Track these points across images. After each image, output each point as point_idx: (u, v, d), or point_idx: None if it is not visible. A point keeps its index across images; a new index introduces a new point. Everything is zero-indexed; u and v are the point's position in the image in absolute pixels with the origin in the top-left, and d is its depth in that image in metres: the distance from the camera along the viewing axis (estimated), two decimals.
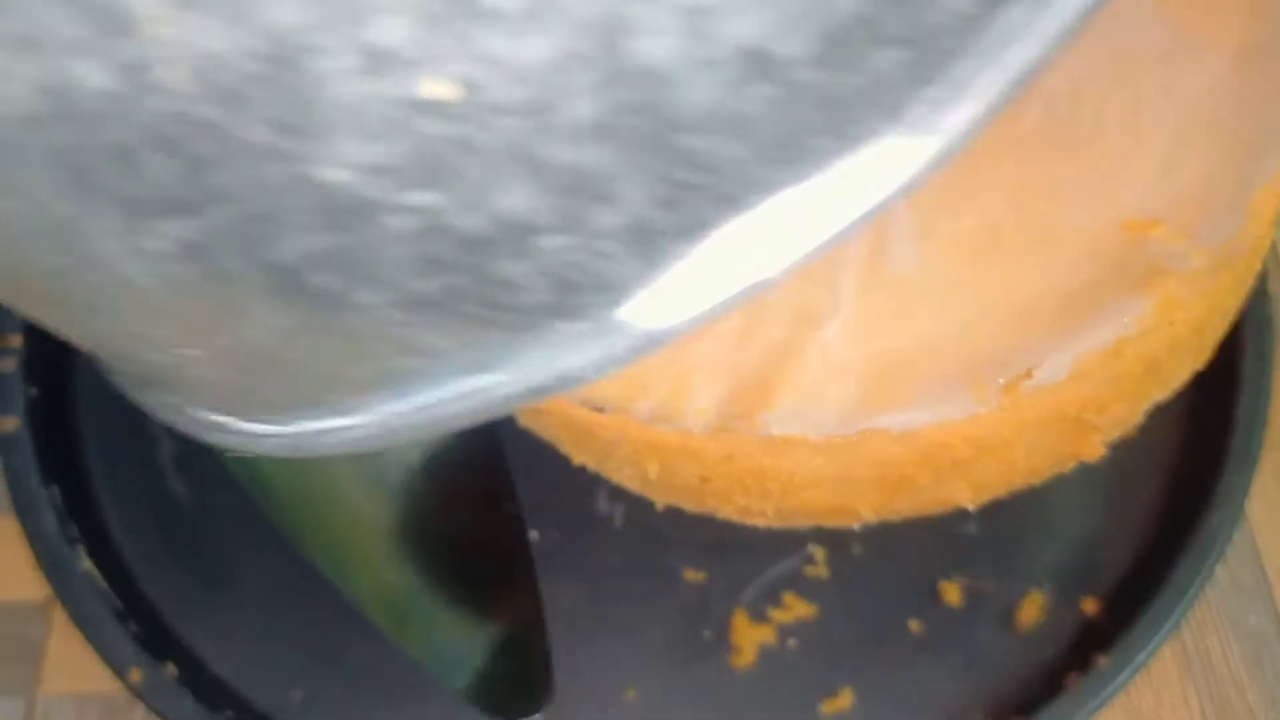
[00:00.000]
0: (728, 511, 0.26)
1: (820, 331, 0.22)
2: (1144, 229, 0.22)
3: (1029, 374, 0.21)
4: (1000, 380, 0.21)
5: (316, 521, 0.32)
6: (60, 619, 0.33)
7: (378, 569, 0.31)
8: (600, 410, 0.22)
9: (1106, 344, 0.21)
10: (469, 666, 0.30)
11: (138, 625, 0.31)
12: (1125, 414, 0.24)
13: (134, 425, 0.35)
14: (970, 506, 0.25)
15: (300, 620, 0.32)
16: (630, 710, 0.31)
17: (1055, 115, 0.23)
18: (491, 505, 0.32)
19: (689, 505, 0.27)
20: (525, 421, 0.27)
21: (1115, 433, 0.25)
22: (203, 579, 0.33)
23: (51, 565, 0.31)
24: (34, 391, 0.34)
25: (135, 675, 0.30)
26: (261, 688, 0.31)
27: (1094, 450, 0.25)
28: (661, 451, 0.23)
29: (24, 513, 0.32)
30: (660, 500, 0.28)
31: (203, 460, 0.34)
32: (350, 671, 0.31)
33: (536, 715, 0.29)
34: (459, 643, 0.30)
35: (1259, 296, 0.32)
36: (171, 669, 0.30)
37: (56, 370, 0.35)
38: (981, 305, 0.22)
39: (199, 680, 0.31)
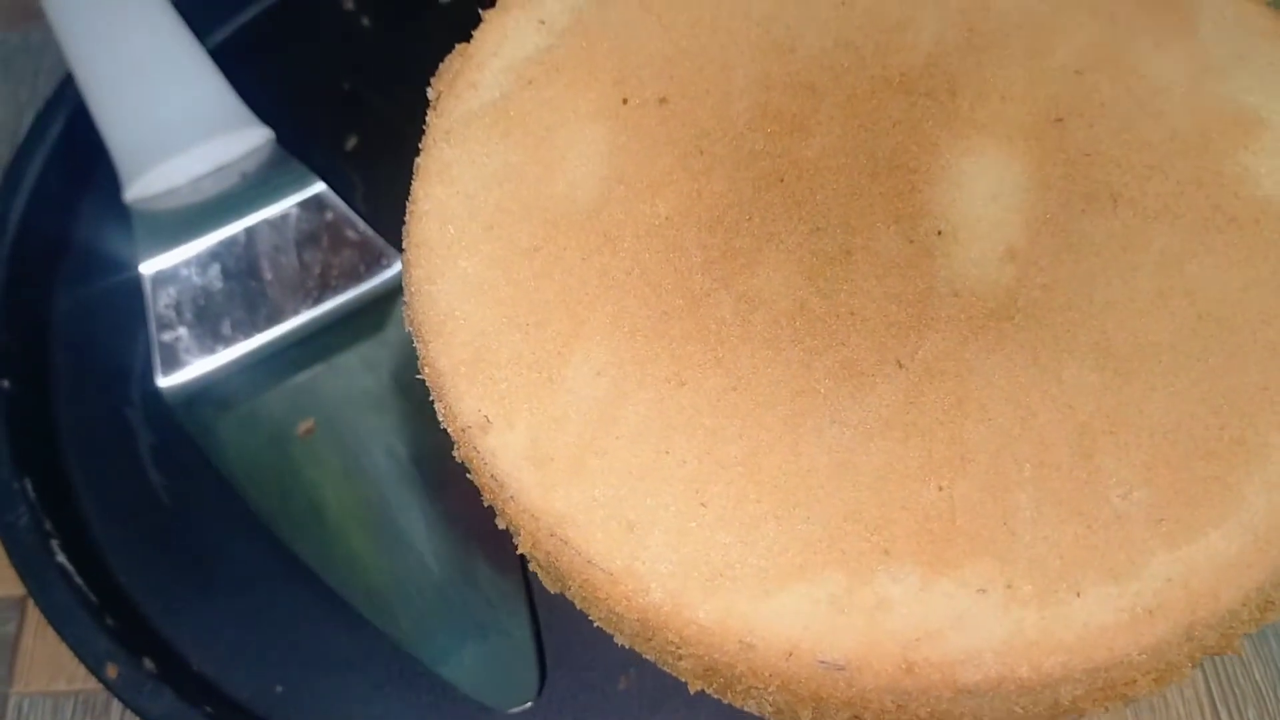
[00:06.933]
0: None
1: None
2: None
3: None
4: None
5: (299, 511, 0.31)
6: (34, 615, 0.32)
7: (362, 558, 0.31)
8: (840, 669, 0.18)
9: None
10: (458, 655, 0.29)
11: (114, 620, 0.30)
12: None
13: (111, 416, 0.34)
14: None
15: (282, 612, 0.31)
16: (623, 699, 0.30)
17: None
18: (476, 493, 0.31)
19: None
20: (647, 651, 0.22)
21: None
22: (182, 572, 0.32)
23: (25, 560, 0.30)
24: (6, 384, 0.33)
25: (112, 671, 0.29)
26: (243, 682, 0.30)
27: None
28: (824, 701, 0.19)
29: None
30: None
31: (182, 451, 0.33)
32: (334, 664, 0.30)
33: (527, 704, 0.29)
34: (447, 631, 0.30)
35: None
36: (149, 664, 0.29)
37: (31, 361, 0.34)
38: None
39: (178, 675, 0.30)
